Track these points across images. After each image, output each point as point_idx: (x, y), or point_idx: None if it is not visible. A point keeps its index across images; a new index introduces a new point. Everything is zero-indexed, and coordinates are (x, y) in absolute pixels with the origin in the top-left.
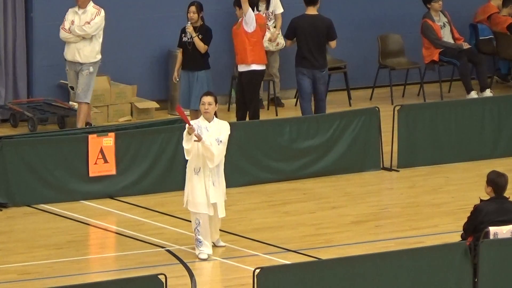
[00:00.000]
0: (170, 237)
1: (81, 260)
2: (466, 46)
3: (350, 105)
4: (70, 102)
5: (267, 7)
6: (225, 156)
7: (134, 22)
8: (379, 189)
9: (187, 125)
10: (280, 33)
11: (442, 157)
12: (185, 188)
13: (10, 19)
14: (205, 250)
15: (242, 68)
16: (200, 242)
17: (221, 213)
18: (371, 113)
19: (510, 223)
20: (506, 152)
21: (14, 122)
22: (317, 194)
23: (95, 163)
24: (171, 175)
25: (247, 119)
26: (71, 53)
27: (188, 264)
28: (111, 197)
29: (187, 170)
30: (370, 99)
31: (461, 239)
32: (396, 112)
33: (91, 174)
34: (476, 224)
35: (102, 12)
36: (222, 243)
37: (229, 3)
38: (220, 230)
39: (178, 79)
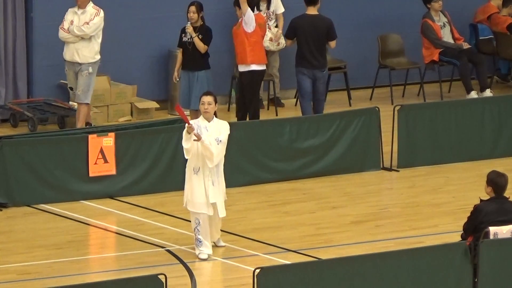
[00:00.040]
0: (170, 237)
1: (81, 260)
2: (466, 46)
3: (350, 105)
4: (70, 102)
5: (268, 7)
6: (225, 156)
7: (134, 22)
8: (379, 189)
9: (186, 124)
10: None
11: (442, 157)
12: (185, 187)
13: (10, 19)
14: (205, 250)
15: (242, 68)
16: (200, 242)
17: (221, 212)
18: (371, 113)
19: (510, 223)
20: (506, 152)
21: (14, 122)
22: (317, 194)
23: (95, 163)
24: (171, 175)
25: (247, 119)
26: (70, 54)
27: (188, 264)
28: (111, 197)
29: (187, 169)
30: (370, 99)
31: (461, 239)
32: (396, 112)
33: (91, 174)
34: (476, 224)
35: (102, 13)
36: (222, 243)
37: (229, 3)
38: (220, 230)
39: (178, 79)
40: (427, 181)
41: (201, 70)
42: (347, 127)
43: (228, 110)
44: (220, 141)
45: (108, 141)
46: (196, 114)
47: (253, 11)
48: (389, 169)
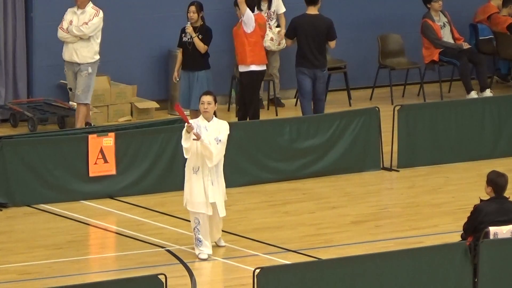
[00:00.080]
0: (170, 237)
1: (81, 260)
2: (466, 46)
3: (350, 105)
4: (70, 102)
5: (269, 7)
6: (225, 156)
7: (134, 22)
8: (379, 189)
9: (186, 123)
10: None
11: (442, 157)
12: (184, 187)
13: (10, 19)
14: (205, 250)
15: (241, 68)
16: (200, 241)
17: (221, 212)
18: (371, 113)
19: (510, 223)
20: (506, 152)
21: (14, 122)
22: (317, 194)
23: (95, 163)
24: (171, 175)
25: (248, 119)
26: (69, 54)
27: (188, 264)
28: (111, 197)
29: (186, 169)
30: (370, 99)
31: (461, 239)
32: (396, 112)
33: (91, 174)
34: (476, 224)
35: (101, 13)
36: (223, 243)
37: (229, 3)
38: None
39: (178, 79)
40: (427, 181)
41: (201, 70)
42: (347, 127)
43: (228, 110)
44: (220, 140)
45: (108, 141)
46: (196, 114)
47: (253, 11)
48: (389, 169)
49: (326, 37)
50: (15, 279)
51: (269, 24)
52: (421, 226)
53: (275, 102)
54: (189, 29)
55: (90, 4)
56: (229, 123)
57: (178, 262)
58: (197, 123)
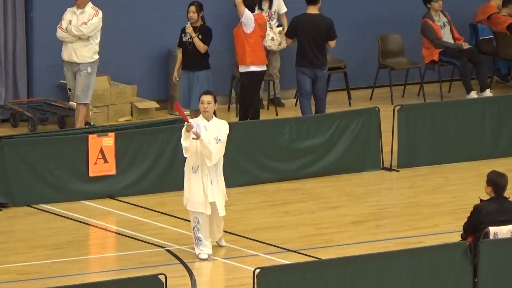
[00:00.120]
0: (170, 237)
1: (81, 260)
2: (466, 46)
3: (350, 105)
4: (70, 102)
5: (270, 6)
6: (225, 156)
7: (134, 22)
8: (379, 189)
9: (185, 122)
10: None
11: (442, 157)
12: (184, 186)
13: (10, 19)
14: (205, 250)
15: (241, 69)
16: (200, 240)
17: (221, 211)
18: (371, 113)
19: (510, 223)
20: (506, 152)
21: (14, 122)
22: (317, 194)
23: (95, 163)
24: (171, 175)
25: (248, 119)
26: (68, 53)
27: (188, 264)
28: (111, 197)
29: (185, 168)
30: (370, 99)
31: (461, 239)
32: (396, 112)
33: (91, 174)
34: (476, 224)
35: (100, 14)
36: (224, 243)
37: (229, 3)
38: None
39: (178, 79)
40: (427, 181)
41: (201, 70)
42: (347, 127)
43: (228, 110)
44: (220, 140)
45: (108, 141)
46: (196, 114)
47: (254, 11)
48: (389, 169)
49: (326, 37)
50: (15, 279)
51: (269, 24)
52: (421, 226)
53: (275, 102)
54: (189, 29)
55: (90, 4)
56: (229, 123)
57: (178, 262)
58: (197, 122)
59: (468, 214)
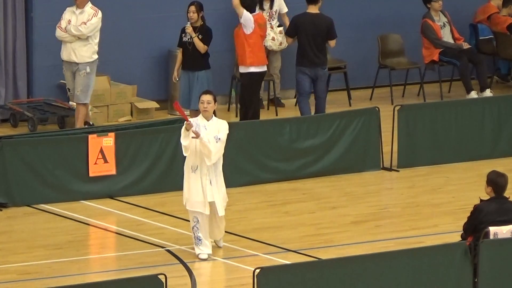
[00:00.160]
0: (170, 237)
1: (81, 260)
2: (466, 46)
3: (350, 105)
4: (70, 102)
5: (271, 6)
6: (226, 156)
7: (134, 22)
8: (379, 189)
9: (185, 121)
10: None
11: (442, 157)
12: (183, 186)
13: (10, 19)
14: (205, 250)
15: (241, 69)
16: (199, 240)
17: (220, 211)
18: (371, 113)
19: (510, 223)
20: (506, 152)
21: (14, 122)
22: (317, 194)
23: (95, 163)
24: (171, 175)
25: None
26: (67, 53)
27: (188, 264)
28: (111, 197)
29: (185, 168)
30: (370, 99)
31: (461, 239)
32: (396, 112)
33: (91, 174)
34: (476, 224)
35: (99, 14)
36: (222, 244)
37: (230, 3)
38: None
39: (177, 79)
40: (427, 181)
41: (201, 70)
42: (347, 127)
43: (228, 110)
44: (219, 139)
45: (108, 141)
46: (196, 114)
47: (255, 11)
48: (389, 169)
49: (326, 36)
50: (15, 279)
51: (270, 23)
52: (421, 226)
53: (275, 102)
54: (189, 29)
55: (89, 4)
56: (229, 123)
57: (178, 262)
58: (197, 122)
59: (468, 214)
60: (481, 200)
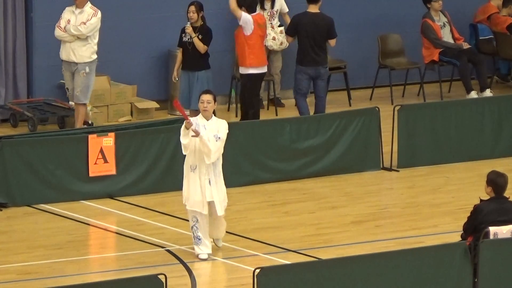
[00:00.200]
0: (170, 237)
1: (81, 260)
2: (466, 46)
3: (350, 105)
4: (70, 102)
5: (272, 6)
6: (225, 157)
7: (134, 22)
8: (379, 189)
9: (184, 119)
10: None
11: (442, 157)
12: (183, 185)
13: (10, 19)
14: (205, 249)
15: (241, 70)
16: (199, 239)
17: (219, 211)
18: (371, 113)
19: (510, 223)
20: (506, 152)
21: (14, 122)
22: (317, 194)
23: (95, 163)
24: (171, 175)
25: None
26: (66, 53)
27: (188, 264)
28: (111, 197)
29: (184, 167)
30: (370, 99)
31: (461, 239)
32: (396, 112)
33: (91, 174)
34: (476, 224)
35: (99, 14)
36: (221, 244)
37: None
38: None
39: (177, 79)
40: (427, 181)
41: (201, 70)
42: (347, 127)
43: (228, 110)
44: (219, 138)
45: (108, 141)
46: (196, 114)
47: (255, 11)
48: (389, 169)
49: (326, 36)
50: (15, 279)
51: (271, 23)
52: (421, 226)
53: (275, 102)
54: (189, 29)
55: (89, 4)
56: (229, 123)
57: (178, 262)
58: (196, 121)
59: (468, 214)
60: (481, 200)
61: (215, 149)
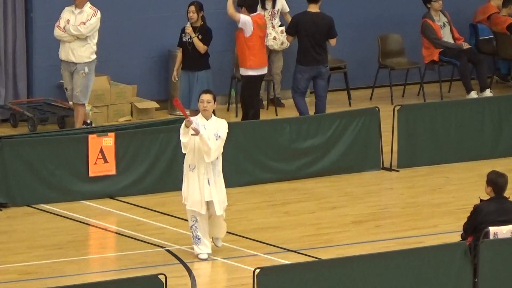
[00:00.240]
0: (170, 237)
1: (81, 260)
2: (466, 46)
3: (350, 105)
4: (69, 102)
5: (274, 5)
6: (225, 156)
7: (134, 22)
8: (379, 189)
9: (185, 118)
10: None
11: (442, 157)
12: (183, 184)
13: (10, 19)
14: (205, 249)
15: (241, 71)
16: (199, 239)
17: (218, 211)
18: (371, 113)
19: (510, 223)
20: (506, 152)
21: (14, 122)
22: (317, 194)
23: (95, 163)
24: (171, 175)
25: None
26: (65, 53)
27: (188, 264)
28: (111, 197)
29: (184, 166)
30: (370, 99)
31: (461, 239)
32: (396, 112)
33: (91, 174)
34: (476, 224)
35: (99, 14)
36: (220, 244)
37: None
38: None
39: (177, 79)
40: (427, 181)
41: (201, 70)
42: (347, 127)
43: (228, 110)
44: (219, 136)
45: (108, 141)
46: (196, 114)
47: (256, 11)
48: (389, 169)
49: (327, 35)
50: (15, 279)
51: (272, 23)
52: (421, 226)
53: (275, 102)
54: (189, 29)
55: (88, 4)
56: (229, 123)
57: (178, 262)
58: (196, 121)
59: (468, 214)
60: (481, 200)
61: (215, 148)
